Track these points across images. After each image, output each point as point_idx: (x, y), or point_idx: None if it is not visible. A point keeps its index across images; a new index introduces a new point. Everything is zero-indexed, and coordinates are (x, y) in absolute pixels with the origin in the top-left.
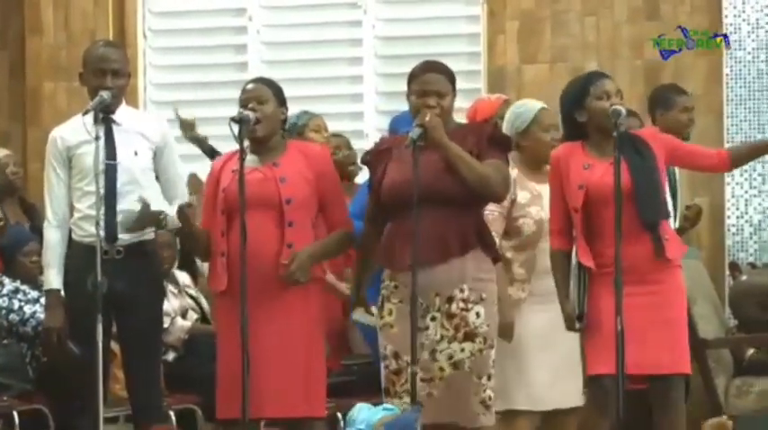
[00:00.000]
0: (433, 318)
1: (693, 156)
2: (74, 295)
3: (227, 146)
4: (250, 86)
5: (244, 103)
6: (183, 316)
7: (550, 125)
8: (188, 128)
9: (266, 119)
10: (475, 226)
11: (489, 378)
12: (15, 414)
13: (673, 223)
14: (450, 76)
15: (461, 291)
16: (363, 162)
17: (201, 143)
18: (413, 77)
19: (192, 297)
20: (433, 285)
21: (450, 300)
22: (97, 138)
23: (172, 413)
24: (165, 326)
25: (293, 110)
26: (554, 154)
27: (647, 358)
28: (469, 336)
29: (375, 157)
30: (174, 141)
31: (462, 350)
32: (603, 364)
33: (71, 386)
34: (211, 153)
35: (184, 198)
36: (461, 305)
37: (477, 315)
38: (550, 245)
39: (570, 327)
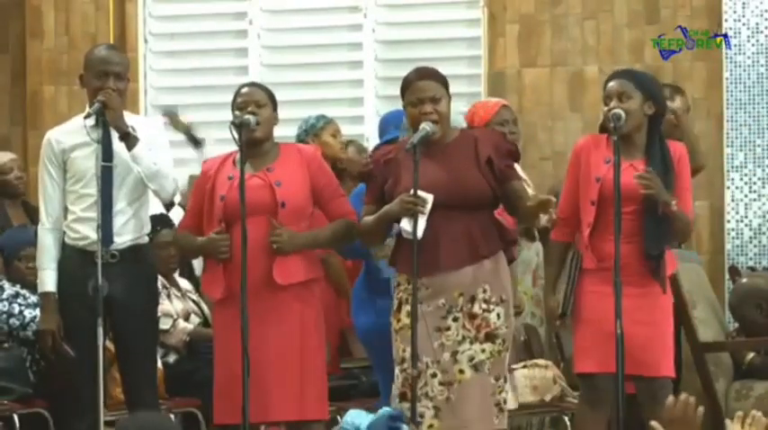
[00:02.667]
0: (455, 319)
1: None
2: (67, 298)
3: (228, 149)
4: (246, 90)
5: (241, 107)
6: (186, 318)
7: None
8: (177, 122)
9: (265, 122)
10: (496, 226)
11: (505, 380)
12: (16, 417)
13: None
14: (442, 81)
15: (484, 291)
16: (363, 174)
17: (188, 132)
18: (406, 87)
19: (193, 301)
20: (458, 285)
21: (472, 299)
22: (99, 142)
23: (173, 416)
24: (167, 327)
25: (294, 114)
26: (577, 145)
27: (634, 359)
28: (490, 337)
29: (383, 166)
30: (167, 141)
31: (483, 351)
32: (594, 362)
33: (70, 389)
34: (195, 142)
35: (172, 187)
36: (483, 306)
37: (498, 316)
38: (551, 234)
39: (551, 323)
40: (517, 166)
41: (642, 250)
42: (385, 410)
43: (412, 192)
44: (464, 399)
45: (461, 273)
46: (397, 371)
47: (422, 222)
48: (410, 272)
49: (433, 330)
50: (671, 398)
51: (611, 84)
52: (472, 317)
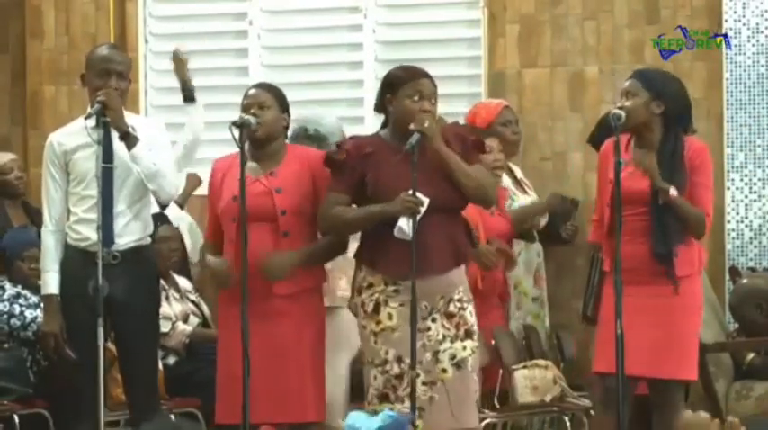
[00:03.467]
0: (434, 320)
1: (690, 198)
2: (69, 299)
3: (228, 150)
4: (252, 92)
5: (245, 108)
6: (185, 320)
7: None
8: (181, 65)
9: (267, 124)
10: (466, 230)
11: (478, 376)
12: (16, 417)
13: None
14: (432, 80)
15: (458, 292)
16: (332, 161)
17: (186, 84)
18: (402, 82)
19: (192, 302)
20: (440, 288)
21: (449, 300)
22: (99, 142)
23: (173, 417)
24: (167, 330)
25: (294, 114)
26: (603, 147)
27: (648, 361)
28: (469, 334)
29: (361, 160)
30: (168, 142)
31: (464, 348)
32: (607, 363)
33: (71, 389)
34: (189, 97)
35: (172, 188)
36: (458, 304)
37: (470, 313)
38: (589, 237)
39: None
40: (516, 168)
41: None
42: (387, 413)
43: (410, 192)
44: (448, 398)
45: (445, 277)
46: (374, 372)
47: (412, 228)
48: (393, 273)
49: (417, 332)
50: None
51: (624, 83)
52: (449, 316)
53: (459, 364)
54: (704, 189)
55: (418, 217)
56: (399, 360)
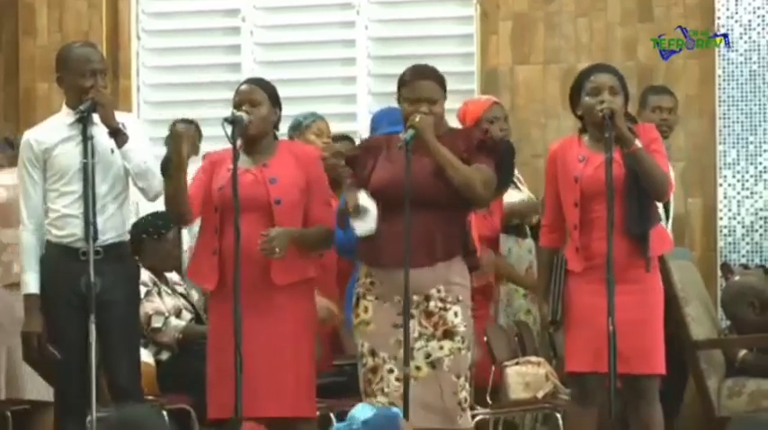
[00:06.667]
0: (411, 316)
1: None
2: (52, 297)
3: (221, 146)
4: (243, 88)
5: (237, 105)
6: (177, 315)
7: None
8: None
9: (259, 121)
10: (460, 232)
11: (466, 379)
12: (9, 414)
13: (664, 220)
14: (440, 81)
15: (438, 290)
16: (348, 159)
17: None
18: (403, 84)
19: (183, 296)
20: (411, 285)
21: (427, 298)
22: (90, 138)
23: (165, 413)
24: (160, 325)
25: (286, 111)
26: (551, 148)
27: (621, 357)
28: (448, 335)
29: (364, 152)
30: (148, 139)
31: (441, 348)
32: (583, 361)
33: (58, 388)
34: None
35: (160, 186)
36: (439, 304)
37: (456, 314)
38: (540, 242)
39: (545, 328)
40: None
41: (626, 244)
42: (381, 409)
43: (394, 187)
44: (419, 396)
45: (415, 272)
46: (359, 365)
47: (370, 222)
48: (369, 262)
49: (391, 326)
50: None
51: (604, 76)
52: (428, 315)
53: (434, 364)
54: (660, 155)
55: (372, 214)
56: (373, 353)
